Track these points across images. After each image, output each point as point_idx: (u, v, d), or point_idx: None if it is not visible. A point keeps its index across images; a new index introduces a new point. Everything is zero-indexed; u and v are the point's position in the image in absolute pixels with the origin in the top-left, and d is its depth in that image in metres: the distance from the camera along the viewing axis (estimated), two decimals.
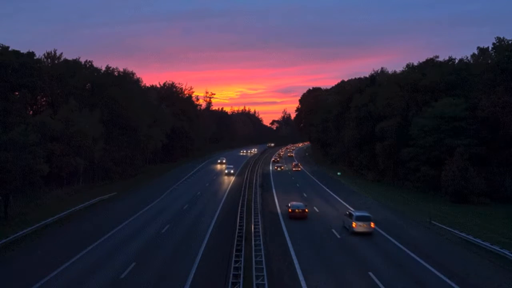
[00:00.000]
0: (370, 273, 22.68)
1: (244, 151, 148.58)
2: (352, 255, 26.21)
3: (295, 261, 24.61)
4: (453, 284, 21.51)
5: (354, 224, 30.94)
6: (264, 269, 21.50)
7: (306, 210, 38.12)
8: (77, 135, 53.29)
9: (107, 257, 25.70)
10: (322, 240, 30.13)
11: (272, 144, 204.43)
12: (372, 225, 31.23)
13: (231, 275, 20.90)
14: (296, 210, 37.66)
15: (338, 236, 31.12)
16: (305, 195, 52.26)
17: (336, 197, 51.00)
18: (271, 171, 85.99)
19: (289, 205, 38.84)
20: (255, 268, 21.77)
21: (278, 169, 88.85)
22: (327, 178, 73.33)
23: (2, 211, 36.57)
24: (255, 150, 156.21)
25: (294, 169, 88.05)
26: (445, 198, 50.04)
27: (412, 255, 26.70)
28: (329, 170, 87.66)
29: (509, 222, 37.74)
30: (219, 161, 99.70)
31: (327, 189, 58.27)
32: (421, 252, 27.24)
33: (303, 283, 21.03)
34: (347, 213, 33.88)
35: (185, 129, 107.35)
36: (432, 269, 23.82)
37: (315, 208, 42.76)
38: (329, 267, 23.94)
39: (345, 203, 45.50)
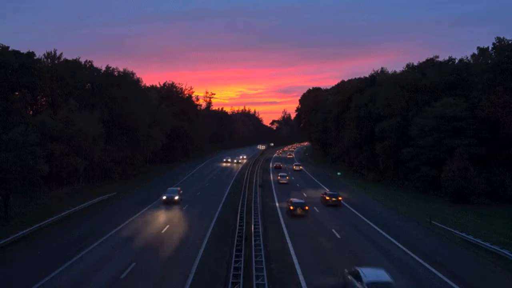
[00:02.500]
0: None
1: (229, 160, 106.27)
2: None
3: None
4: (454, 285, 21.51)
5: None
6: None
7: (282, 165, 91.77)
8: (77, 135, 53.23)
9: (107, 257, 25.70)
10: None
11: (263, 147, 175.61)
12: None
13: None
14: (278, 165, 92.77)
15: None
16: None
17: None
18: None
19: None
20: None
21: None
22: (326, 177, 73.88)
23: (2, 211, 36.56)
24: (244, 157, 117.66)
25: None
26: (445, 198, 50.03)
27: (412, 255, 26.72)
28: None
29: (509, 222, 37.73)
30: (165, 197, 45.06)
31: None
32: (421, 252, 27.24)
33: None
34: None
35: (185, 129, 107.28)
36: (433, 269, 23.83)
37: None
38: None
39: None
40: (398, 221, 38.12)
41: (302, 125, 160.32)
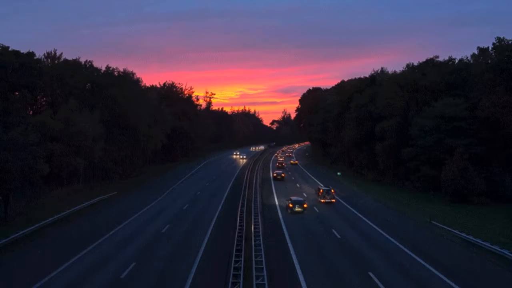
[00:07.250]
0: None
1: None
2: None
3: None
4: (453, 285, 21.50)
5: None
6: None
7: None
8: (77, 135, 53.20)
9: (107, 257, 25.70)
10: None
11: (244, 157, 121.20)
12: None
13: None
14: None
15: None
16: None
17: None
18: None
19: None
20: None
21: None
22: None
23: (2, 211, 36.57)
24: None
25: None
26: (445, 198, 50.01)
27: (412, 255, 26.72)
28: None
29: (509, 222, 37.73)
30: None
31: None
32: (421, 252, 27.24)
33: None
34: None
35: (185, 129, 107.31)
36: (432, 269, 23.81)
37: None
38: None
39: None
40: (398, 221, 38.12)
41: (302, 125, 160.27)
